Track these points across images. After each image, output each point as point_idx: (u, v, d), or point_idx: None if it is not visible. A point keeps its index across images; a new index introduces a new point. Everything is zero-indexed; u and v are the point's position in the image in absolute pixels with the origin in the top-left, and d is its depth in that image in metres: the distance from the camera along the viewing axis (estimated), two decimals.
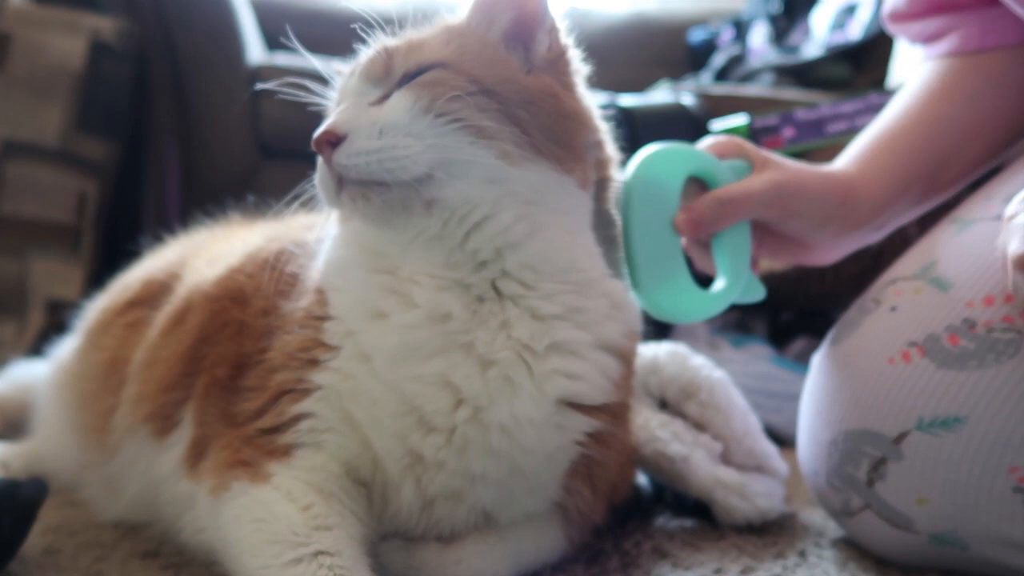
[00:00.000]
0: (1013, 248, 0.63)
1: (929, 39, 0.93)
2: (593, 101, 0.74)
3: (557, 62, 0.71)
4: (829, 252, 0.86)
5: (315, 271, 0.73)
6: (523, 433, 0.66)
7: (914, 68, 0.96)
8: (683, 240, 0.76)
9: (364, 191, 0.64)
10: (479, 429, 0.65)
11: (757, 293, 0.78)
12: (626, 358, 0.72)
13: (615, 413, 0.72)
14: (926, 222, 0.91)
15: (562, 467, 0.71)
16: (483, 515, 0.71)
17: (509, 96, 0.66)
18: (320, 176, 0.66)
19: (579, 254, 0.69)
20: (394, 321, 0.66)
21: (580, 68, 0.74)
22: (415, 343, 0.65)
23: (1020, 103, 0.87)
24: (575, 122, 0.70)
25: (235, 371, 0.73)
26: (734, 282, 0.76)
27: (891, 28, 0.98)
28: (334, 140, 0.63)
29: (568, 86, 0.71)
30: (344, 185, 0.64)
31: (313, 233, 0.77)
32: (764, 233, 0.82)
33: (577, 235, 0.70)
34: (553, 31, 0.71)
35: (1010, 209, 0.66)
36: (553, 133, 0.67)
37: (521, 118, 0.66)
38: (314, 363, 0.68)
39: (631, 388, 0.77)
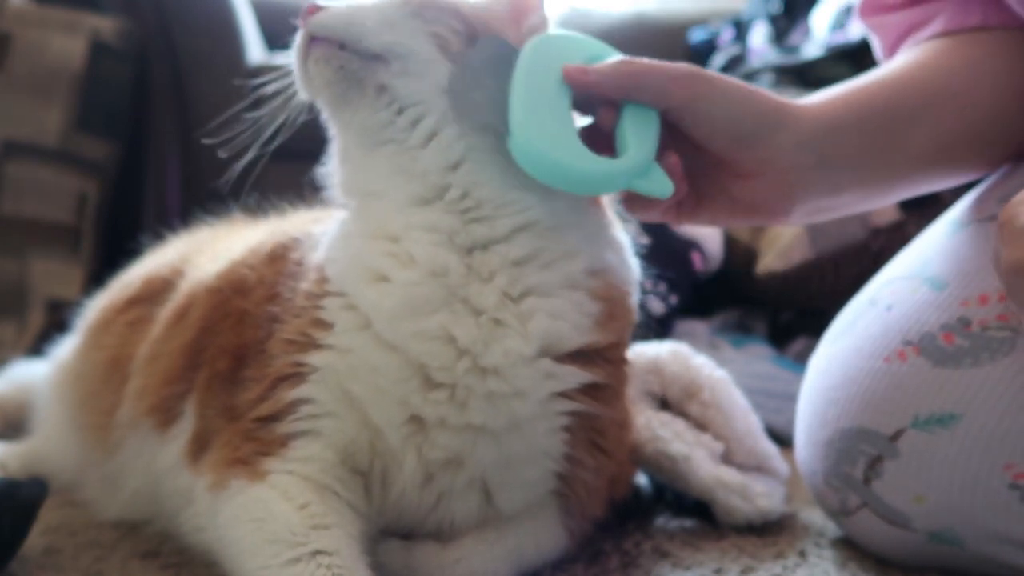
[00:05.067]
0: (1007, 254, 0.63)
1: (911, 30, 0.87)
2: None
3: None
4: (777, 197, 0.73)
5: (318, 255, 0.74)
6: (516, 373, 0.66)
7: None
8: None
9: (326, 53, 0.68)
10: (478, 376, 0.66)
11: (662, 186, 0.66)
12: (603, 297, 0.70)
13: (608, 360, 0.72)
14: (925, 224, 0.91)
15: (559, 425, 0.70)
16: (483, 491, 0.71)
17: (482, 30, 0.70)
18: (295, 46, 0.71)
19: (528, 198, 0.68)
20: (395, 280, 0.67)
21: None
22: (417, 299, 0.66)
23: (1005, 92, 0.80)
24: None
25: (236, 362, 0.74)
26: (632, 158, 0.66)
27: (867, 23, 0.91)
28: (315, 11, 0.69)
29: None
30: (311, 49, 0.69)
31: (319, 226, 0.78)
32: (699, 173, 0.72)
33: (529, 186, 0.68)
34: (542, 15, 0.75)
35: (1004, 214, 0.66)
36: None
37: None
38: (311, 345, 0.69)
39: (624, 342, 0.75)
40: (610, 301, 0.71)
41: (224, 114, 0.75)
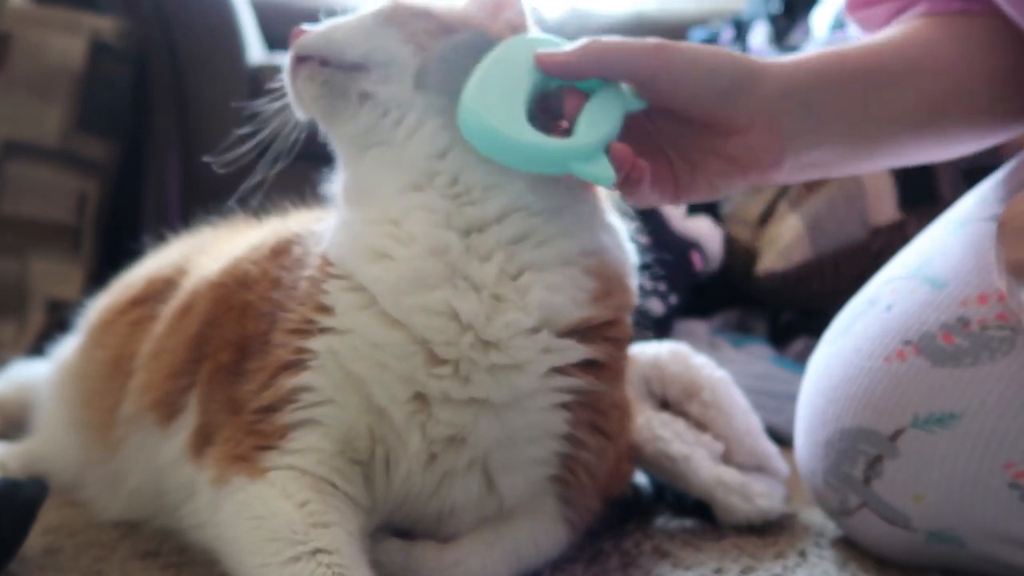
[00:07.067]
0: (1007, 254, 0.63)
1: (895, 15, 0.87)
2: None
3: (519, 31, 0.77)
4: (767, 149, 0.72)
5: (321, 246, 0.74)
6: (517, 345, 0.67)
7: None
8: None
9: (311, 71, 0.72)
10: (480, 350, 0.67)
11: (603, 173, 0.65)
12: (598, 275, 0.71)
13: (607, 338, 0.72)
14: (925, 224, 0.91)
15: (559, 401, 0.70)
16: (484, 474, 0.71)
17: (458, 28, 0.73)
18: (285, 69, 0.75)
19: (515, 182, 0.70)
20: (397, 258, 0.68)
21: None
22: (420, 274, 0.68)
23: (986, 69, 0.80)
24: None
25: (240, 354, 0.74)
26: (576, 141, 0.66)
27: (854, 18, 0.91)
28: (300, 34, 0.74)
29: None
30: (298, 69, 0.73)
31: (322, 224, 0.78)
32: (684, 137, 0.71)
33: (515, 171, 0.69)
34: (519, 9, 0.77)
35: (1004, 214, 0.66)
36: None
37: None
38: (312, 330, 0.69)
39: (622, 323, 0.75)
40: (606, 279, 0.72)
41: (224, 117, 0.77)
